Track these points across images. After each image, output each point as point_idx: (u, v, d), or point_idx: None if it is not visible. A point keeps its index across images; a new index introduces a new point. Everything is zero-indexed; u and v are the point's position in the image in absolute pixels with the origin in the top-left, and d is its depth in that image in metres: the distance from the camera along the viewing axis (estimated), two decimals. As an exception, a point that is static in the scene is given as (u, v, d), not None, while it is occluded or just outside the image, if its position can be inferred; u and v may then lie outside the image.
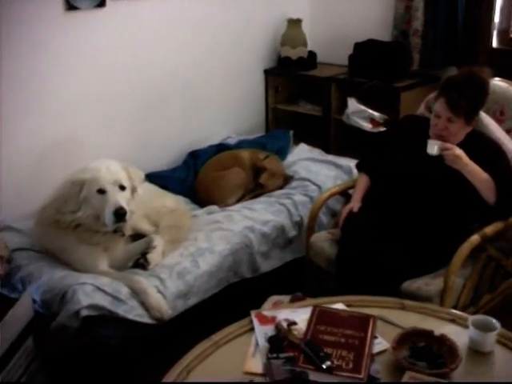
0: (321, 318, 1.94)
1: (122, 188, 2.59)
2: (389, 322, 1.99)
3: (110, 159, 2.70)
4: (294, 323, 1.93)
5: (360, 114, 3.81)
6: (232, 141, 3.98)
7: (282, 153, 3.84)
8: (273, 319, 1.96)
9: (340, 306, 2.05)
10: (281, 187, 3.48)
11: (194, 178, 3.58)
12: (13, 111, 2.99)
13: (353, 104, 3.83)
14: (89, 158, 2.81)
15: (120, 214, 2.49)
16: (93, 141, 3.35)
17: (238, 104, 4.17)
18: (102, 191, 2.53)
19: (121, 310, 2.43)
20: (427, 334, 1.84)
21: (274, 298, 2.50)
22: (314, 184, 3.42)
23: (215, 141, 3.95)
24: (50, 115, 3.16)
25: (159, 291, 2.55)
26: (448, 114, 2.56)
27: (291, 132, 4.05)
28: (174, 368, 1.76)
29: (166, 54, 3.65)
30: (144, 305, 2.49)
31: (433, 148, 2.55)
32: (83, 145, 3.31)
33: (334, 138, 4.11)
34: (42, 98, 3.10)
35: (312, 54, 4.25)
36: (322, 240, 2.84)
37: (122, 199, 2.54)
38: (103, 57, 3.33)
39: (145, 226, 2.90)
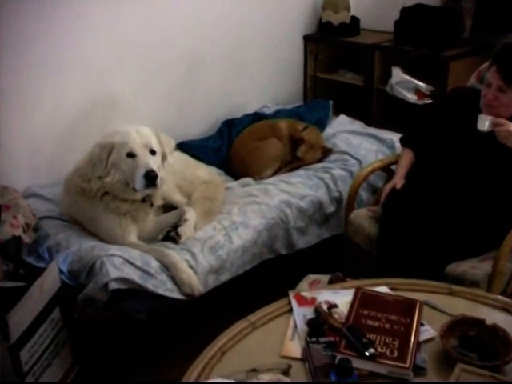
0: (364, 301, 1.88)
1: (153, 152, 2.58)
2: (436, 308, 1.92)
3: (142, 125, 2.69)
4: (335, 306, 1.89)
5: (405, 85, 3.71)
6: (268, 110, 3.95)
7: (321, 124, 3.80)
8: (312, 301, 1.92)
9: (384, 288, 1.99)
10: (319, 160, 3.46)
11: (228, 148, 3.57)
12: (46, 71, 2.98)
13: (397, 74, 3.73)
14: (122, 122, 2.81)
15: (151, 177, 2.48)
16: (128, 105, 3.34)
17: (276, 72, 4.12)
18: (131, 155, 2.52)
19: (150, 285, 2.43)
20: (478, 323, 1.76)
21: (311, 277, 2.45)
22: (355, 158, 3.38)
23: (251, 110, 3.92)
24: (85, 76, 3.15)
25: (190, 266, 2.54)
26: (499, 82, 2.47)
27: (331, 102, 3.99)
28: (207, 349, 1.73)
29: (205, 20, 3.61)
30: (174, 280, 2.48)
31: (484, 123, 2.46)
32: (118, 108, 3.30)
33: (376, 110, 4.04)
34: (78, 58, 3.09)
35: (355, 20, 4.15)
36: (362, 217, 2.79)
37: (153, 163, 2.53)
38: (145, 20, 3.32)
39: (176, 197, 2.89)
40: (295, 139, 3.48)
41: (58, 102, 3.09)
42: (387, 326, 1.78)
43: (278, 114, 3.85)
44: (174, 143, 2.84)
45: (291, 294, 1.97)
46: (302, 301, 1.92)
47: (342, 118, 3.89)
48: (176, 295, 2.47)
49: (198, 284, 2.51)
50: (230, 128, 3.70)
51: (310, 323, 1.81)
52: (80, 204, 2.66)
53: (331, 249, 3.11)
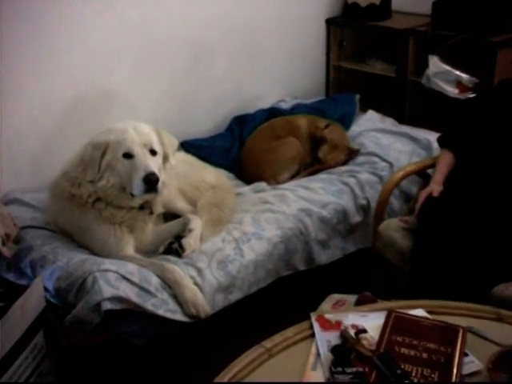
0: (397, 326, 1.87)
1: (153, 153, 2.58)
2: (482, 336, 1.89)
3: (141, 121, 2.69)
4: (364, 331, 1.87)
5: (444, 76, 3.70)
6: (286, 105, 3.94)
7: (346, 121, 3.80)
8: (337, 324, 1.90)
9: (420, 312, 1.97)
10: (344, 163, 3.46)
11: (239, 148, 3.57)
12: (29, 61, 2.99)
13: (435, 63, 3.72)
14: (118, 118, 2.82)
15: (151, 181, 2.48)
16: (125, 99, 3.35)
17: (294, 61, 4.12)
18: (129, 155, 2.53)
19: (149, 305, 2.42)
20: (533, 355, 1.74)
21: (334, 298, 2.46)
22: (385, 160, 3.39)
23: (266, 104, 3.92)
24: (76, 67, 3.16)
25: (195, 283, 2.54)
26: None
27: (357, 96, 3.99)
28: (218, 378, 1.72)
29: (212, 4, 3.62)
30: (177, 299, 2.48)
31: None
32: (113, 103, 3.32)
33: (410, 105, 4.04)
34: (67, 46, 3.11)
35: (386, 1, 4.14)
36: (393, 229, 2.78)
37: (154, 165, 2.53)
38: (145, 4, 3.35)
39: (179, 204, 2.89)
40: (316, 138, 3.49)
41: (44, 95, 3.09)
42: (425, 355, 1.76)
43: (297, 110, 3.85)
44: (178, 142, 2.85)
45: (313, 316, 1.96)
46: (326, 324, 1.91)
47: (371, 114, 3.89)
48: (179, 317, 2.46)
49: (204, 304, 2.50)
50: (242, 125, 3.69)
51: (335, 350, 1.79)
52: (69, 212, 2.66)
53: (357, 265, 3.10)
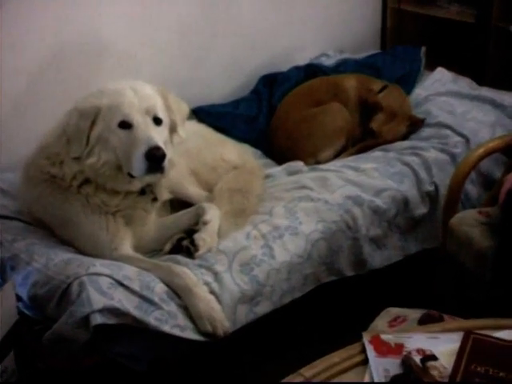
0: (477, 351, 1.83)
1: (158, 121, 2.58)
2: None
3: (142, 81, 2.69)
4: (433, 357, 1.83)
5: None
6: (329, 61, 3.94)
7: (408, 82, 3.80)
8: (398, 348, 1.87)
9: (507, 334, 1.95)
10: (404, 137, 3.46)
11: (268, 117, 3.58)
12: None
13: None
14: (112, 77, 2.81)
15: (155, 158, 2.47)
16: (118, 51, 3.36)
17: (339, 3, 4.13)
18: (126, 124, 2.52)
19: (152, 319, 2.42)
20: None
21: (391, 312, 2.43)
22: (459, 134, 3.38)
23: (302, 60, 3.92)
24: (57, 9, 3.15)
25: (212, 291, 2.54)
26: None
27: (423, 49, 3.98)
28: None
29: None
30: (188, 311, 2.48)
31: None
32: (105, 57, 3.33)
33: (493, 61, 4.03)
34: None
35: None
36: (470, 224, 2.78)
37: (158, 137, 2.53)
38: None
39: (191, 189, 2.91)
40: (368, 104, 3.48)
41: (16, 46, 3.10)
42: (514, 390, 1.74)
43: (343, 67, 3.85)
44: (189, 109, 2.85)
45: (366, 336, 1.93)
46: (383, 348, 1.88)
47: (441, 72, 3.88)
48: (190, 335, 2.46)
49: (222, 318, 2.50)
50: (272, 87, 3.70)
51: (396, 381, 1.78)
52: (48, 198, 2.67)
53: (421, 270, 3.11)
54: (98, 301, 2.36)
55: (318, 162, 3.30)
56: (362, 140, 3.46)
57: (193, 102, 3.16)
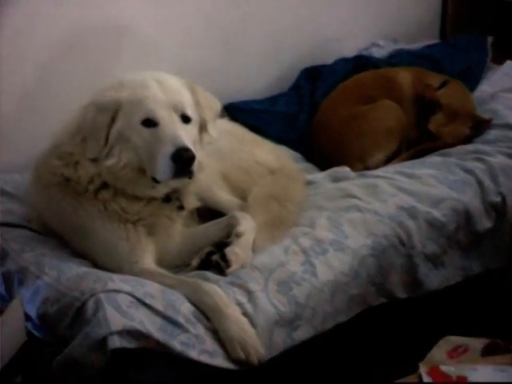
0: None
1: (186, 119, 2.59)
2: None
3: (167, 72, 2.71)
4: (502, 394, 1.85)
5: None
6: (380, 52, 3.96)
7: (472, 77, 3.79)
8: (461, 381, 1.88)
9: None
10: (467, 139, 3.45)
11: (310, 115, 3.58)
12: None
13: None
14: (132, 67, 2.81)
15: (183, 160, 2.47)
16: (140, 38, 3.39)
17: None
18: (150, 122, 2.53)
19: (177, 343, 2.41)
20: None
21: (451, 341, 2.42)
22: None
23: (350, 51, 3.95)
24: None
25: (245, 313, 2.53)
26: None
27: (489, 39, 3.97)
28: None
29: None
30: (218, 335, 2.47)
31: None
32: (124, 43, 3.36)
33: None
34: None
35: None
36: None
37: (186, 136, 2.53)
38: None
39: (222, 196, 2.92)
40: (426, 102, 3.47)
41: (22, 30, 3.13)
42: None
43: (396, 59, 3.85)
44: (220, 105, 2.85)
45: (423, 367, 1.94)
46: (443, 380, 1.89)
47: (510, 66, 3.86)
48: (220, 362, 2.44)
49: (256, 343, 2.48)
50: (314, 81, 3.71)
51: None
52: (60, 203, 2.68)
53: (484, 293, 3.10)
54: (117, 321, 2.35)
55: (367, 168, 3.30)
56: (417, 143, 3.46)
57: (224, 97, 3.13)
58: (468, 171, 3.21)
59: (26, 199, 2.86)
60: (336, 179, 3.21)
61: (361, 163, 3.33)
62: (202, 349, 2.44)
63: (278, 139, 3.41)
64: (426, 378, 1.92)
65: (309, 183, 3.17)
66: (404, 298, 2.96)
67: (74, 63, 3.27)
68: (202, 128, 2.69)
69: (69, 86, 3.15)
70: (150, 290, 2.50)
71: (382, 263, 2.89)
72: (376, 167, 3.31)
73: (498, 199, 3.16)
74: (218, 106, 2.81)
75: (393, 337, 2.83)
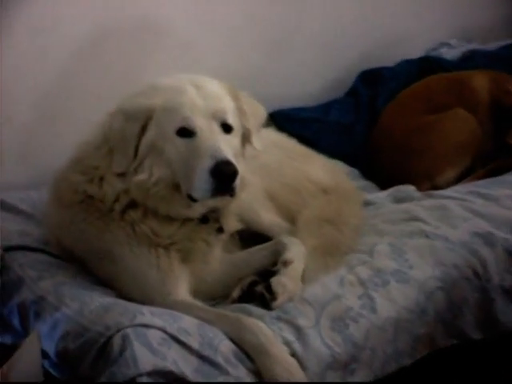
0: None
1: (227, 128, 2.59)
2: None
3: (205, 75, 2.72)
4: None
5: None
6: (451, 52, 3.97)
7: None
8: None
9: None
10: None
11: (368, 126, 3.60)
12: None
13: None
14: (167, 69, 2.81)
15: (224, 175, 2.46)
16: (177, 37, 3.43)
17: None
18: (186, 132, 2.54)
19: (215, 386, 2.44)
20: None
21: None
22: None
23: (416, 52, 3.97)
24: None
25: (294, 353, 2.52)
26: None
27: None
28: None
29: None
30: (261, 377, 2.46)
31: None
32: (158, 42, 3.40)
33: None
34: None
35: None
36: None
37: (228, 149, 2.53)
38: None
39: (267, 218, 2.92)
40: (504, 111, 3.46)
41: (43, 27, 3.16)
42: None
43: (470, 62, 3.85)
44: (266, 113, 2.86)
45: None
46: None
47: None
48: (265, 409, 2.46)
49: (306, 387, 2.50)
50: (374, 87, 3.74)
51: None
52: (82, 225, 2.69)
53: None
54: (147, 361, 2.35)
55: (436, 187, 3.30)
56: (494, 158, 3.45)
57: (270, 103, 3.15)
58: (554, 192, 3.19)
59: (44, 220, 2.87)
60: (399, 200, 3.21)
61: (428, 181, 3.33)
62: (243, 393, 2.44)
63: (332, 153, 3.40)
64: None
65: (367, 204, 3.18)
66: (478, 339, 2.94)
67: (100, 64, 3.31)
68: (245, 139, 2.69)
69: (93, 92, 3.18)
70: (185, 325, 2.49)
71: (452, 298, 2.87)
72: (446, 186, 3.30)
73: None
74: (263, 113, 2.82)
75: (465, 383, 2.79)
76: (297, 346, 2.54)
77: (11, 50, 3.09)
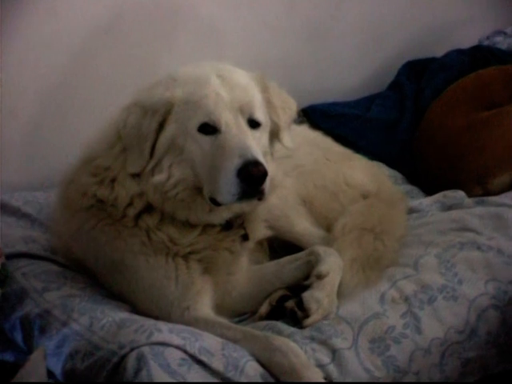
0: None
1: (254, 124, 2.58)
2: None
3: (231, 64, 2.71)
4: None
5: None
6: (507, 42, 3.95)
7: None
8: None
9: None
10: None
11: (413, 123, 3.61)
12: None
13: None
14: (188, 57, 2.82)
15: (253, 176, 2.45)
16: (201, 19, 3.44)
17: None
18: (209, 128, 2.54)
19: (240, 412, 2.43)
20: None
21: None
22: None
23: (467, 40, 3.96)
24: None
25: (328, 376, 2.51)
26: None
27: None
28: None
29: None
30: (293, 403, 2.48)
31: None
32: (180, 24, 3.41)
33: None
34: None
35: None
36: None
37: (256, 146, 2.52)
38: None
39: (301, 225, 2.93)
40: None
41: (53, 10, 3.17)
42: None
43: (529, 52, 3.84)
44: (298, 107, 2.85)
45: None
46: None
47: None
48: None
49: (341, 415, 2.49)
50: (420, 80, 3.74)
51: None
52: (92, 232, 2.70)
53: None
54: (165, 382, 2.35)
55: (489, 192, 3.29)
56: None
57: (304, 97, 3.16)
58: None
59: (51, 226, 2.88)
60: (447, 207, 3.21)
61: (480, 186, 3.33)
62: (271, 421, 2.43)
63: (373, 154, 3.43)
64: None
65: (412, 211, 3.18)
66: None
67: (112, 53, 3.32)
68: (274, 136, 2.69)
69: (106, 83, 3.19)
70: (207, 343, 2.48)
71: (506, 318, 2.86)
72: (499, 192, 3.28)
73: None
74: (294, 107, 2.81)
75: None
76: (332, 369, 2.54)
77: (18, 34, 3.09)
